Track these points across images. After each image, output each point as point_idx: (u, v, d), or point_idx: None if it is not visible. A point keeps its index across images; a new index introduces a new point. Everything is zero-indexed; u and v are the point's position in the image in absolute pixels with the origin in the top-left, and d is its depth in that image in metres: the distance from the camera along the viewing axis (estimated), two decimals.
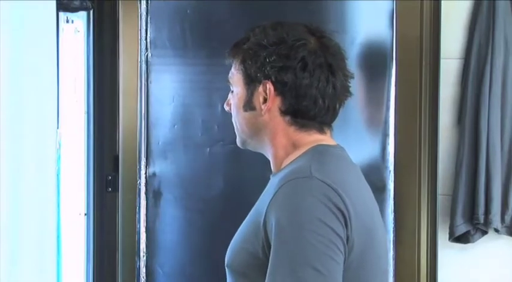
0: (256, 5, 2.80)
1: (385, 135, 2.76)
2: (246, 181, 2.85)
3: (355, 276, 1.46)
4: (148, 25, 2.88)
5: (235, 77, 1.62)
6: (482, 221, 2.56)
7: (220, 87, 2.79)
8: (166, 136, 2.91)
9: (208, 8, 2.86)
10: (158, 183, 2.91)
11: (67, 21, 2.77)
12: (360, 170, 1.62)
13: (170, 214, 2.91)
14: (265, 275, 1.42)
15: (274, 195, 1.46)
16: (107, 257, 2.92)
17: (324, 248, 1.39)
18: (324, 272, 1.38)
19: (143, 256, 2.91)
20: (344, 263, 1.43)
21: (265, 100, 1.57)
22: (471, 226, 2.58)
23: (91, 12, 2.84)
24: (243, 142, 1.66)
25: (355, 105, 2.70)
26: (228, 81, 1.65)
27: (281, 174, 1.52)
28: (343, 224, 1.43)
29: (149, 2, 2.88)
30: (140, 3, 2.87)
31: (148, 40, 2.88)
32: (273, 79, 1.55)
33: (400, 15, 2.73)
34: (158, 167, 2.90)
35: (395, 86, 2.74)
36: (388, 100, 2.75)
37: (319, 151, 1.54)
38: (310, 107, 1.55)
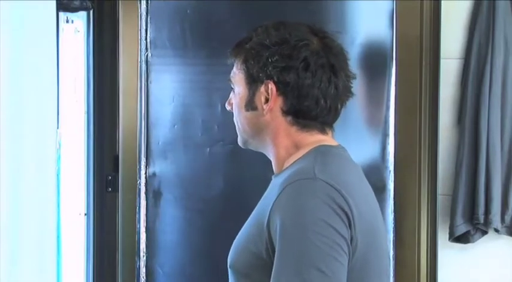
0: (256, 5, 2.80)
1: (385, 135, 2.76)
2: (246, 181, 2.85)
3: (359, 276, 1.46)
4: (148, 25, 2.88)
5: (237, 76, 1.61)
6: (482, 221, 2.56)
7: (220, 87, 2.80)
8: (166, 136, 2.91)
9: (208, 8, 2.86)
10: (158, 183, 2.91)
11: (67, 21, 2.77)
12: (361, 170, 1.63)
13: (170, 214, 2.91)
14: (268, 276, 1.42)
15: (278, 196, 1.46)
16: (107, 257, 2.92)
17: (328, 249, 1.39)
18: (329, 273, 1.38)
19: (143, 256, 2.91)
20: (348, 264, 1.43)
21: (267, 100, 1.57)
22: (471, 226, 2.58)
23: (91, 12, 2.84)
24: (245, 142, 1.66)
25: (355, 105, 2.70)
26: (229, 80, 1.65)
27: (284, 175, 1.52)
28: (347, 225, 1.43)
29: (149, 2, 2.88)
30: (140, 3, 2.87)
31: (148, 40, 2.88)
32: (275, 79, 1.55)
33: (400, 15, 2.73)
34: (158, 167, 2.90)
35: (395, 85, 2.74)
36: (388, 100, 2.75)
37: (322, 152, 1.54)
38: (312, 107, 1.55)
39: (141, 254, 2.91)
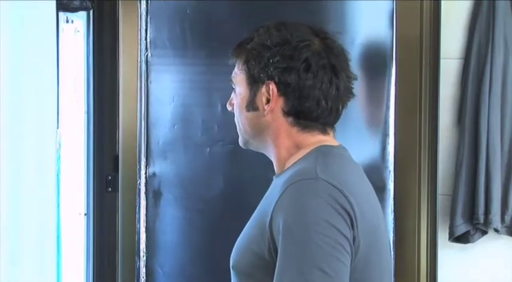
0: (256, 5, 2.80)
1: (385, 135, 2.76)
2: (245, 181, 2.85)
3: (361, 277, 1.46)
4: (148, 25, 2.88)
5: (239, 77, 1.61)
6: (482, 221, 2.56)
7: (220, 87, 2.80)
8: (166, 136, 2.91)
9: (208, 8, 2.86)
10: (158, 183, 2.91)
11: (67, 21, 2.77)
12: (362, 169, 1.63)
13: (170, 214, 2.91)
14: (271, 276, 1.42)
15: (280, 196, 1.46)
16: (107, 257, 2.92)
17: (330, 250, 1.39)
18: (331, 274, 1.38)
19: (143, 256, 2.91)
20: (351, 264, 1.43)
21: (268, 101, 1.57)
22: (471, 226, 2.58)
23: (91, 12, 2.84)
24: (246, 142, 1.66)
25: (355, 105, 2.70)
26: (231, 80, 1.65)
27: (285, 176, 1.52)
28: (350, 225, 1.43)
29: (149, 2, 2.88)
30: (140, 3, 2.87)
31: (148, 40, 2.88)
32: (276, 80, 1.55)
33: (400, 15, 2.72)
34: (158, 167, 2.90)
35: (395, 85, 2.74)
36: (388, 100, 2.75)
37: (323, 152, 1.54)
38: (313, 108, 1.55)
39: (141, 254, 2.91)
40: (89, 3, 2.73)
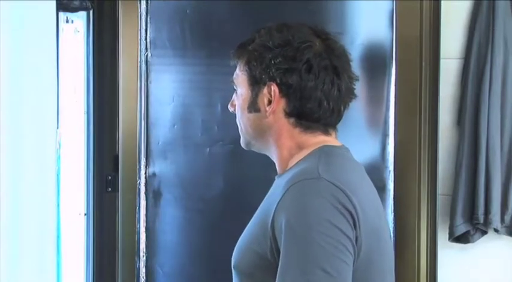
0: (256, 5, 2.80)
1: (385, 135, 2.76)
2: (246, 181, 2.85)
3: (363, 277, 1.46)
4: (148, 25, 2.88)
5: (240, 78, 1.62)
6: (482, 221, 2.55)
7: (220, 87, 2.80)
8: (166, 136, 2.91)
9: (208, 8, 2.86)
10: (158, 183, 2.91)
11: (67, 21, 2.77)
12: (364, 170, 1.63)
13: (170, 214, 2.91)
14: (272, 276, 1.42)
15: (282, 196, 1.46)
16: (107, 257, 2.92)
17: (333, 250, 1.39)
18: (334, 274, 1.38)
19: (143, 256, 2.91)
20: (353, 264, 1.43)
21: (269, 102, 1.57)
22: (471, 226, 2.58)
23: (91, 12, 2.84)
24: (247, 143, 1.66)
25: (355, 105, 2.68)
26: (232, 81, 1.65)
27: (288, 176, 1.52)
28: (352, 225, 1.43)
29: (149, 2, 2.88)
30: (140, 3, 2.87)
31: (148, 40, 2.88)
32: (278, 81, 1.55)
33: (400, 15, 2.72)
34: (158, 167, 2.90)
35: (395, 86, 2.74)
36: (388, 100, 2.75)
37: (325, 152, 1.55)
38: (315, 109, 1.55)
39: (141, 254, 2.91)
40: (89, 3, 2.73)
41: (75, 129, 2.86)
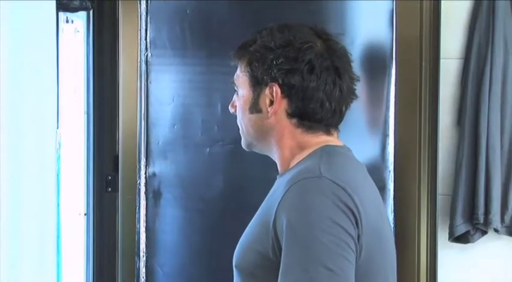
0: (256, 5, 2.80)
1: (385, 135, 2.76)
2: (246, 181, 2.85)
3: (365, 275, 1.45)
4: (148, 25, 2.88)
5: (241, 79, 1.61)
6: (482, 221, 2.56)
7: (220, 87, 2.80)
8: (166, 136, 2.91)
9: (208, 8, 2.86)
10: (158, 183, 2.91)
11: (67, 21, 2.77)
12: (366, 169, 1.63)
13: (170, 214, 2.91)
14: (274, 275, 1.42)
15: (283, 195, 1.46)
16: (107, 257, 2.92)
17: (335, 247, 1.39)
18: (337, 272, 1.37)
19: (143, 256, 2.91)
20: (356, 262, 1.42)
21: (271, 103, 1.56)
22: (471, 226, 2.58)
23: (91, 12, 2.84)
24: (249, 144, 1.66)
25: (355, 105, 2.68)
26: (233, 83, 1.65)
27: (289, 175, 1.52)
28: (354, 223, 1.43)
29: (149, 2, 2.87)
30: (140, 3, 2.87)
31: (148, 40, 2.88)
32: (280, 82, 1.55)
33: (400, 15, 2.73)
34: (158, 167, 2.90)
35: (395, 86, 2.74)
36: (388, 100, 2.75)
37: (327, 151, 1.55)
38: (317, 109, 1.55)
39: (141, 254, 2.91)
40: (89, 3, 2.73)
41: (75, 129, 2.86)
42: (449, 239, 2.61)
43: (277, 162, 1.62)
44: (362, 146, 2.74)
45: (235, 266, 1.56)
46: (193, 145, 2.88)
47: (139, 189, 2.90)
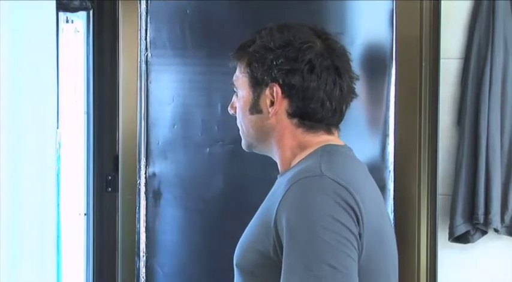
0: (256, 5, 2.80)
1: (385, 135, 2.76)
2: (245, 181, 2.85)
3: (366, 274, 1.45)
4: (148, 25, 2.88)
5: (241, 80, 1.61)
6: (482, 221, 2.56)
7: (220, 87, 2.80)
8: (166, 136, 2.91)
9: (208, 8, 2.86)
10: (158, 183, 2.91)
11: (67, 21, 2.77)
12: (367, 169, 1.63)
13: (170, 214, 2.91)
14: (275, 275, 1.42)
15: (284, 194, 1.46)
16: (107, 257, 2.92)
17: (337, 245, 1.39)
18: (340, 269, 1.37)
19: (143, 256, 2.91)
20: (358, 260, 1.42)
21: (272, 103, 1.56)
22: (471, 226, 2.58)
23: (91, 12, 2.84)
24: (249, 145, 1.66)
25: (355, 105, 2.68)
26: (232, 84, 1.65)
27: (290, 174, 1.52)
28: (355, 221, 1.43)
29: (149, 2, 2.88)
30: (140, 3, 2.87)
31: (148, 40, 2.88)
32: (280, 82, 1.55)
33: (400, 15, 2.73)
34: (158, 167, 2.90)
35: (395, 86, 2.74)
36: (388, 100, 2.75)
37: (328, 150, 1.55)
38: (318, 109, 1.55)
39: (141, 254, 2.91)
40: (89, 3, 2.73)
41: (75, 129, 2.86)
42: (449, 239, 2.61)
43: (278, 162, 1.62)
44: (362, 145, 2.74)
45: (236, 265, 1.56)
46: (193, 145, 2.88)
47: (139, 189, 2.90)
